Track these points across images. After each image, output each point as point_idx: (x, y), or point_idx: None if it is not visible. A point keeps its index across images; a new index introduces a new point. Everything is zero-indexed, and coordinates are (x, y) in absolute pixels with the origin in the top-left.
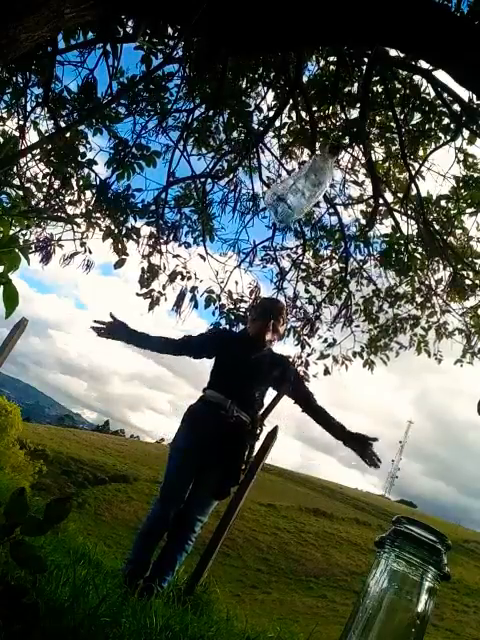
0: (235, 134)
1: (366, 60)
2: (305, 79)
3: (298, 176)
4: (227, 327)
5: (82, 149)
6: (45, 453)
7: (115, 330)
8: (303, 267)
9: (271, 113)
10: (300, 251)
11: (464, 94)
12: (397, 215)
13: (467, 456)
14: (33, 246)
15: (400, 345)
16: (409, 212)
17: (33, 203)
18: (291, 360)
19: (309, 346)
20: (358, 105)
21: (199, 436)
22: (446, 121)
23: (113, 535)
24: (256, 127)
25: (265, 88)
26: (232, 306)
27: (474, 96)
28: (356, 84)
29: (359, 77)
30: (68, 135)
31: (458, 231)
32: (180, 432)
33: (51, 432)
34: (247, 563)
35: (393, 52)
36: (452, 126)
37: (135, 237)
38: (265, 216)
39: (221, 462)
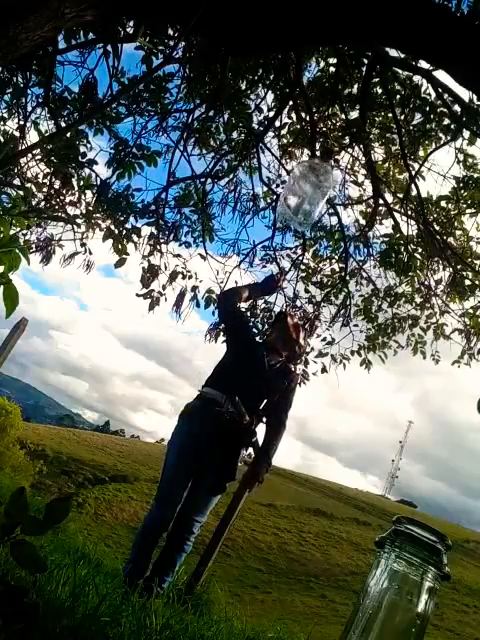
0: (235, 134)
1: (366, 61)
2: (305, 80)
3: (297, 182)
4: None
5: (82, 149)
6: (45, 453)
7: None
8: (303, 267)
9: (271, 113)
10: (300, 251)
11: (464, 94)
12: (397, 215)
13: (468, 457)
14: (33, 246)
15: (398, 344)
16: (409, 212)
17: (33, 203)
18: (296, 374)
19: (308, 345)
20: (358, 106)
21: (195, 433)
22: (446, 121)
23: (113, 535)
24: (256, 127)
25: (265, 89)
26: None
27: (474, 96)
28: (356, 85)
29: (359, 78)
30: (68, 135)
31: (458, 232)
32: (177, 430)
33: (51, 432)
34: (247, 563)
35: (393, 53)
36: (452, 126)
37: (135, 238)
38: (265, 216)
39: (217, 459)
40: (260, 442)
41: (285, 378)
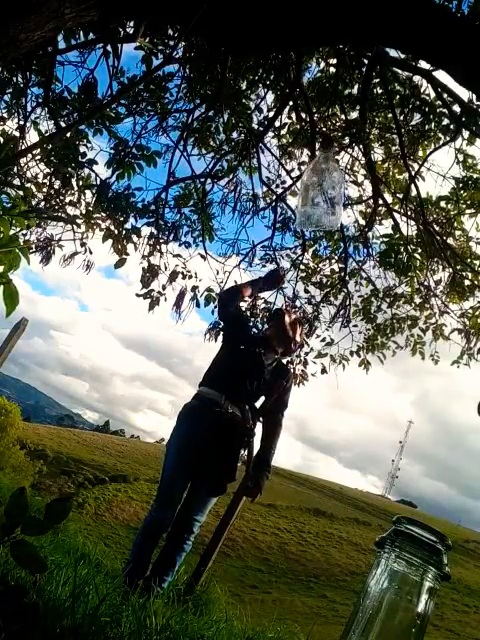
0: (235, 134)
1: (366, 61)
2: (305, 80)
3: (310, 189)
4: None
5: (82, 149)
6: (45, 453)
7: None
8: (302, 267)
9: (271, 113)
10: (299, 251)
11: (464, 94)
12: (397, 216)
13: (468, 457)
14: (33, 246)
15: (397, 344)
16: (409, 213)
17: (33, 203)
18: (291, 373)
19: (308, 345)
20: (358, 106)
21: (194, 433)
22: (446, 122)
23: (113, 535)
24: (256, 127)
25: (265, 89)
26: None
27: (474, 96)
28: (356, 85)
29: (359, 78)
30: (68, 135)
31: (458, 232)
32: (175, 430)
33: (51, 432)
34: (247, 563)
35: (393, 53)
36: (452, 127)
37: (135, 238)
38: (265, 216)
39: (217, 459)
40: (257, 443)
41: (282, 377)
